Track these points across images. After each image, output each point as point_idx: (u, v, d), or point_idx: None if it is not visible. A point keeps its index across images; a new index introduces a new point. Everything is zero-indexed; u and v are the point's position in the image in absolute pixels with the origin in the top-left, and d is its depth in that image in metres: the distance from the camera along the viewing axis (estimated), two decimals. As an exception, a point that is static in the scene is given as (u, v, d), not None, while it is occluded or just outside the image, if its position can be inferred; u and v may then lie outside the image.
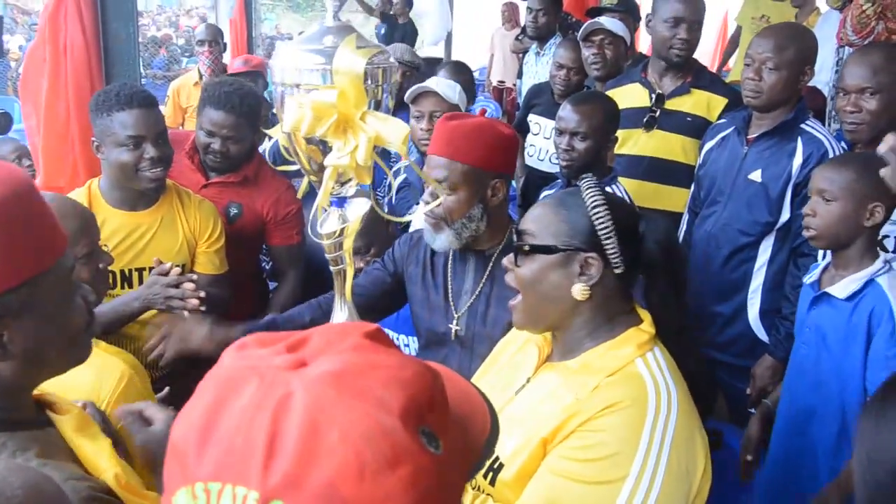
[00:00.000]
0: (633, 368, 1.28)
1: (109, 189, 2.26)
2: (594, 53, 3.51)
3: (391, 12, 8.36)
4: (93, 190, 2.26)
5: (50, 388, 1.13)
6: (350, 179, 1.28)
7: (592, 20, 3.60)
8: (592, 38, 3.52)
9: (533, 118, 4.03)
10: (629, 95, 3.04)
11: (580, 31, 3.60)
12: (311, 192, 1.42)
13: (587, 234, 1.31)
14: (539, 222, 1.36)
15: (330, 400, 0.58)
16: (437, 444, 0.61)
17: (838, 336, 1.89)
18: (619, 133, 2.96)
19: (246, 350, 0.65)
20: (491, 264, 1.93)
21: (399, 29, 8.39)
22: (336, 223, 1.32)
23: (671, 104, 2.94)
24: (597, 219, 1.30)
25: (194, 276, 2.14)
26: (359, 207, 1.33)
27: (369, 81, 1.27)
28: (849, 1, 3.17)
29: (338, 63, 1.17)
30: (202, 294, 2.07)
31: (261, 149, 2.99)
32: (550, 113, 3.42)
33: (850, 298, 1.87)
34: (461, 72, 3.50)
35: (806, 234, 1.99)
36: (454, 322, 1.97)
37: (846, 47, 3.36)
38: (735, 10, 6.24)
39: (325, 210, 1.32)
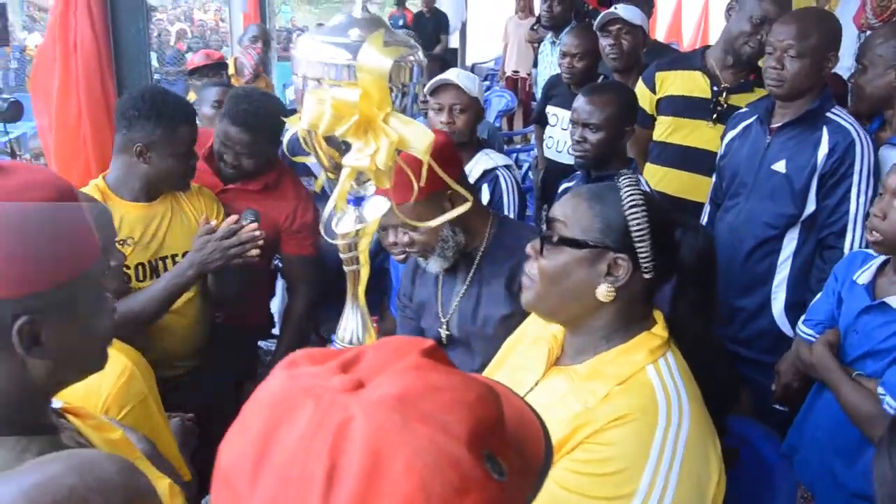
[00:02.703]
0: (644, 376, 1.23)
1: (119, 184, 2.24)
2: (611, 44, 3.45)
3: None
4: (101, 187, 2.24)
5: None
6: (369, 179, 1.22)
7: (608, 10, 3.53)
8: (609, 28, 3.46)
9: (551, 109, 3.97)
10: (688, 82, 2.96)
11: (596, 22, 3.54)
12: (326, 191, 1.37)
13: (620, 233, 1.25)
14: (571, 213, 1.29)
15: (393, 426, 0.54)
16: (501, 469, 0.57)
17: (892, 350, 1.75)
18: (680, 122, 2.87)
19: (297, 368, 0.61)
20: (475, 265, 1.93)
21: (429, 21, 8.48)
22: (352, 223, 1.27)
23: (733, 99, 2.84)
24: (633, 219, 1.24)
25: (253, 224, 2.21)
26: (377, 207, 1.28)
27: (395, 79, 1.18)
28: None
29: (362, 61, 1.10)
30: (260, 241, 2.17)
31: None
32: (567, 103, 3.36)
33: None
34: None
35: (869, 237, 1.82)
36: (443, 327, 1.99)
37: (867, 31, 3.28)
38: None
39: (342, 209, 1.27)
